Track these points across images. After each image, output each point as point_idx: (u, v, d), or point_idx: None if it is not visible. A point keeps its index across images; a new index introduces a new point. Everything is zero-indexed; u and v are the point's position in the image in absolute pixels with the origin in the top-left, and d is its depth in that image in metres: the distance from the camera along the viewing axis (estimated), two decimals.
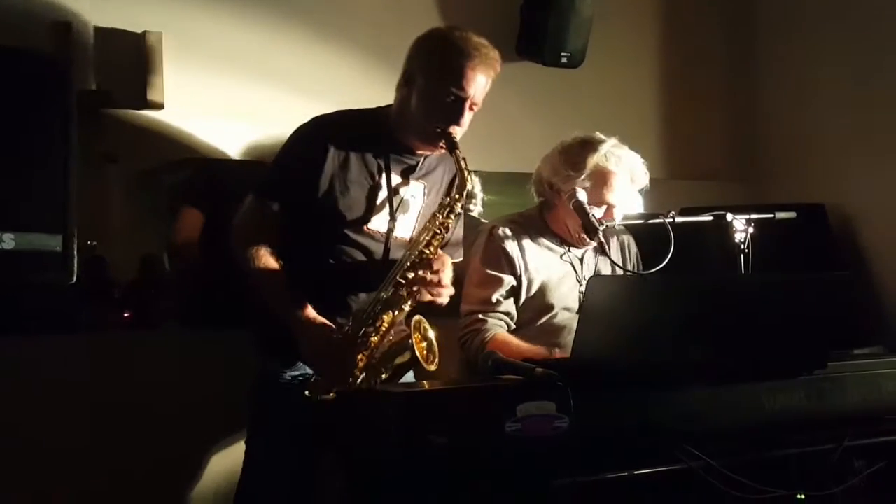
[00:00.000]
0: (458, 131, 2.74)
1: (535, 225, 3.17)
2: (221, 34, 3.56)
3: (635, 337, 2.30)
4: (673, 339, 2.33)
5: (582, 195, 2.93)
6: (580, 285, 3.13)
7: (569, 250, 3.17)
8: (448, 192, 2.85)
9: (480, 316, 3.02)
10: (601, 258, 3.21)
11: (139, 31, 3.41)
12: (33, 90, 2.21)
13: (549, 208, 3.17)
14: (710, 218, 3.07)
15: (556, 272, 3.13)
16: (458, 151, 2.72)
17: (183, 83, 3.46)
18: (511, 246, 3.08)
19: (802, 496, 2.52)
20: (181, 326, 3.59)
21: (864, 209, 4.42)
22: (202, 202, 3.52)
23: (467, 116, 2.75)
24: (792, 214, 3.22)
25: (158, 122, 3.45)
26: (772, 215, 3.14)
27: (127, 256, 3.51)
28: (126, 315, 3.50)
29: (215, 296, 3.53)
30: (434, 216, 2.75)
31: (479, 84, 2.73)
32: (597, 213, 3.00)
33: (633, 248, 3.32)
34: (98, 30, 3.36)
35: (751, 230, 3.01)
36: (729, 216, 3.02)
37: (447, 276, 2.70)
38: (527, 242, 3.11)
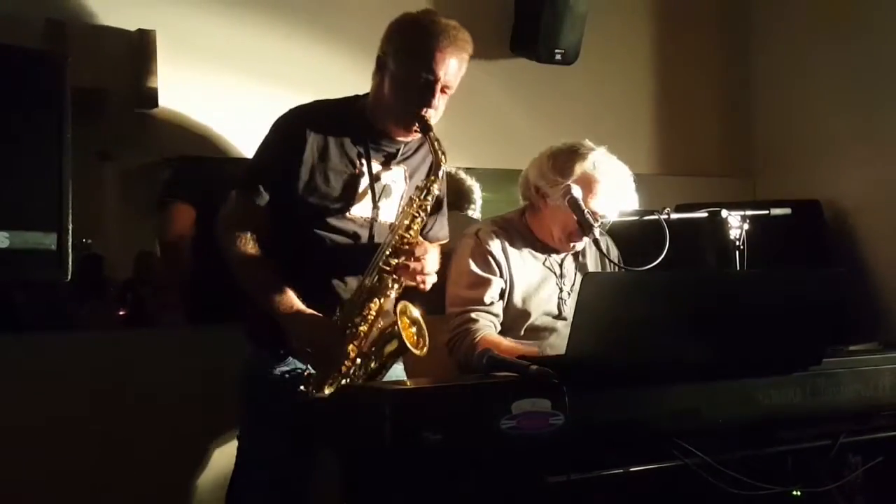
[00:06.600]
0: (431, 114, 2.74)
1: (516, 229, 3.14)
2: (215, 31, 3.55)
3: (630, 334, 2.30)
4: (668, 336, 2.33)
5: (577, 192, 2.91)
6: (560, 290, 3.12)
7: (549, 256, 3.14)
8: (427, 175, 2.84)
9: (473, 315, 2.99)
10: (580, 264, 3.20)
11: (133, 28, 3.40)
12: (28, 87, 2.20)
13: (534, 212, 3.14)
14: (706, 214, 3.08)
15: (535, 278, 3.10)
16: (431, 133, 2.72)
17: (177, 80, 3.45)
18: (496, 249, 3.05)
19: (798, 492, 2.53)
20: (177, 323, 3.59)
21: (860, 205, 4.43)
22: (193, 197, 3.50)
23: (440, 99, 2.75)
24: (787, 210, 3.22)
25: (153, 119, 3.43)
26: (767, 211, 3.15)
27: (122, 254, 3.50)
28: (121, 313, 3.50)
29: (210, 291, 3.51)
30: (411, 200, 2.75)
31: (449, 67, 2.72)
32: None
33: (614, 252, 3.23)
34: (92, 27, 3.35)
35: (746, 226, 3.01)
36: (724, 212, 3.03)
37: (430, 262, 2.71)
38: (509, 247, 3.08)
